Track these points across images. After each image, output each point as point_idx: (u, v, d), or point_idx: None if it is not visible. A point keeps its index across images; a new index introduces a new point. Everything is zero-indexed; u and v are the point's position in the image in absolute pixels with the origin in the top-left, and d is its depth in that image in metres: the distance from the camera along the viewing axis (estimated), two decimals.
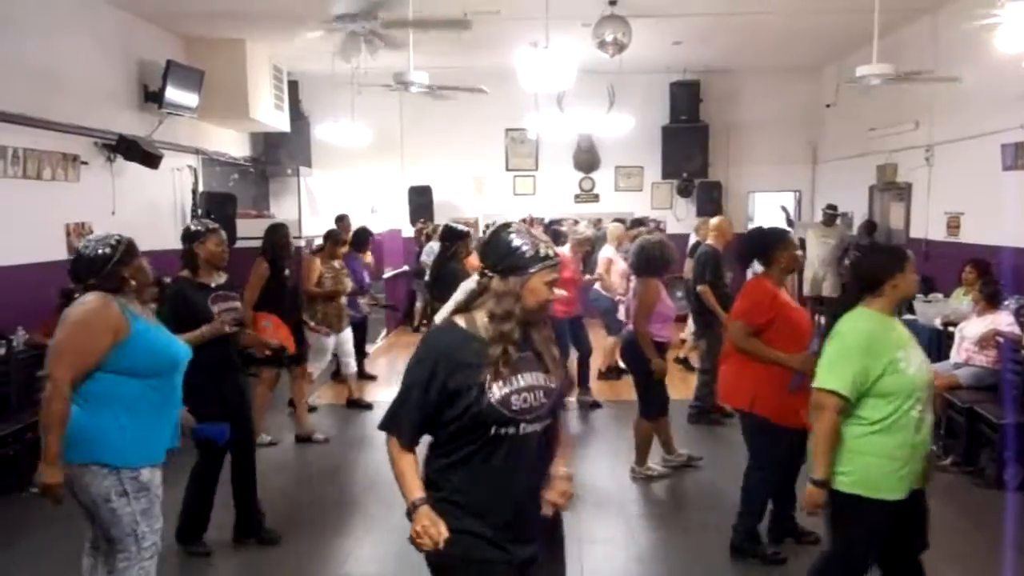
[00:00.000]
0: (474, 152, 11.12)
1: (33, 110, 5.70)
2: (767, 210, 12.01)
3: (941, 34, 7.40)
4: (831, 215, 9.05)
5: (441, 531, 1.89)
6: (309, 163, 10.45)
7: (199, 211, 8.03)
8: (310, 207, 9.50)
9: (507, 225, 2.02)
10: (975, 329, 5.25)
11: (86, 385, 2.53)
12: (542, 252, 1.95)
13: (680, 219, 11.11)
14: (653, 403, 4.77)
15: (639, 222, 9.97)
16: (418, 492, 1.95)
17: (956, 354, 5.37)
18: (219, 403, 3.64)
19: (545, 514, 2.01)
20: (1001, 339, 5.06)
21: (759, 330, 3.60)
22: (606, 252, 7.32)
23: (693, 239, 8.27)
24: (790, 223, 9.94)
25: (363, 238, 7.42)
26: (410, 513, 1.94)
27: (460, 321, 2.02)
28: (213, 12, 7.33)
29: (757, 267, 3.96)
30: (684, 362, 7.72)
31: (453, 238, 5.63)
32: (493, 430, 1.92)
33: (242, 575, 3.84)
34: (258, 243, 5.57)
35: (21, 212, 5.62)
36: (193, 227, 3.85)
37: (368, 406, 6.69)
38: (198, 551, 3.82)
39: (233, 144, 9.67)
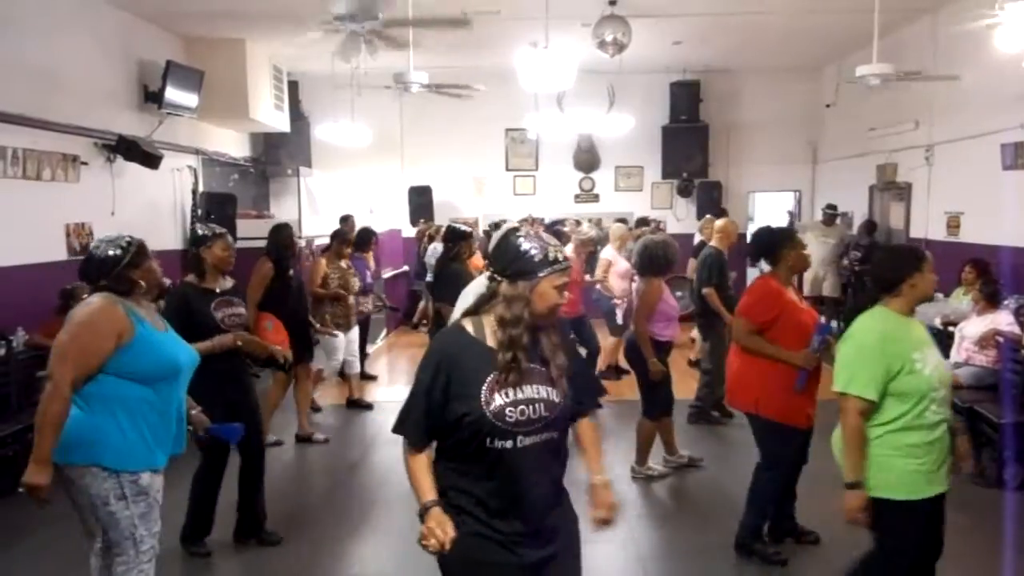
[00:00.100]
0: (474, 152, 11.12)
1: (33, 110, 5.70)
2: (767, 210, 12.04)
3: (941, 34, 7.40)
4: (831, 215, 9.05)
5: (448, 532, 1.87)
6: (309, 163, 10.45)
7: (199, 211, 8.04)
8: (310, 207, 9.50)
9: (515, 229, 2.03)
10: (975, 329, 5.25)
11: (88, 387, 2.53)
12: (551, 256, 1.94)
13: (680, 219, 11.12)
14: (656, 403, 4.77)
15: (644, 221, 9.96)
16: (430, 494, 1.93)
17: (956, 354, 5.37)
18: (226, 408, 3.65)
19: (598, 524, 2.04)
20: (1001, 339, 5.06)
21: (763, 328, 3.59)
22: (606, 253, 7.31)
23: (698, 239, 8.27)
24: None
25: (366, 238, 7.43)
26: (422, 515, 1.93)
27: (468, 326, 2.01)
28: (213, 12, 7.33)
29: (765, 266, 3.95)
30: (697, 364, 7.66)
31: (456, 238, 5.64)
32: (488, 442, 1.91)
33: None
34: (258, 243, 5.57)
35: (21, 213, 5.62)
36: (200, 231, 3.84)
37: (368, 406, 6.70)
38: (199, 552, 3.82)
39: (233, 144, 9.67)
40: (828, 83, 10.31)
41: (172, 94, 7.31)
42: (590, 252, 6.84)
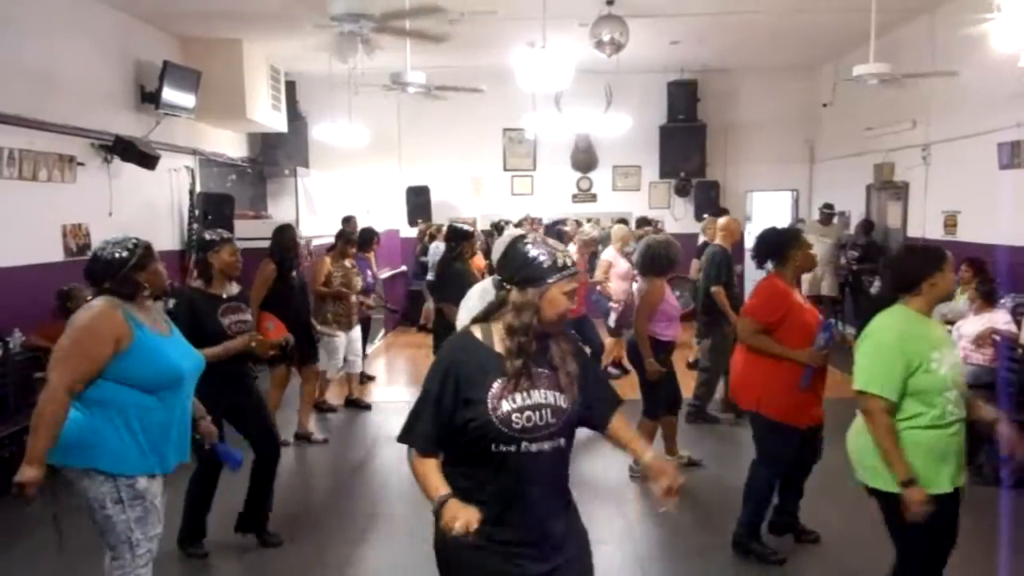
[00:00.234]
0: (472, 152, 11.12)
1: (29, 111, 5.69)
2: (765, 209, 12.05)
3: (938, 33, 7.41)
4: (828, 214, 9.06)
5: (474, 513, 1.81)
6: (306, 163, 10.44)
7: (196, 212, 8.02)
8: (308, 207, 9.50)
9: (522, 236, 2.02)
10: (972, 327, 5.26)
11: (88, 391, 2.52)
12: (560, 262, 1.93)
13: (678, 219, 11.12)
14: (658, 402, 4.77)
15: (646, 221, 9.96)
16: (443, 488, 1.88)
17: None
18: (229, 412, 3.66)
19: (666, 495, 1.96)
20: (998, 337, 5.07)
21: (770, 328, 3.60)
22: (607, 255, 7.32)
23: (701, 239, 8.28)
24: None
25: (368, 238, 7.44)
26: (437, 513, 1.86)
27: (476, 332, 2.01)
28: (210, 12, 7.31)
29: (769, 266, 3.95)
30: (695, 365, 7.66)
31: (458, 238, 5.65)
32: (493, 447, 1.89)
33: None
34: (255, 244, 5.57)
35: (17, 213, 5.60)
36: (208, 236, 3.83)
37: (367, 407, 6.70)
38: (196, 553, 3.82)
39: (230, 145, 9.66)
40: (825, 82, 10.33)
41: (169, 94, 7.30)
42: (592, 252, 6.86)
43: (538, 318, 1.92)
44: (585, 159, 11.28)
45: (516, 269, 1.95)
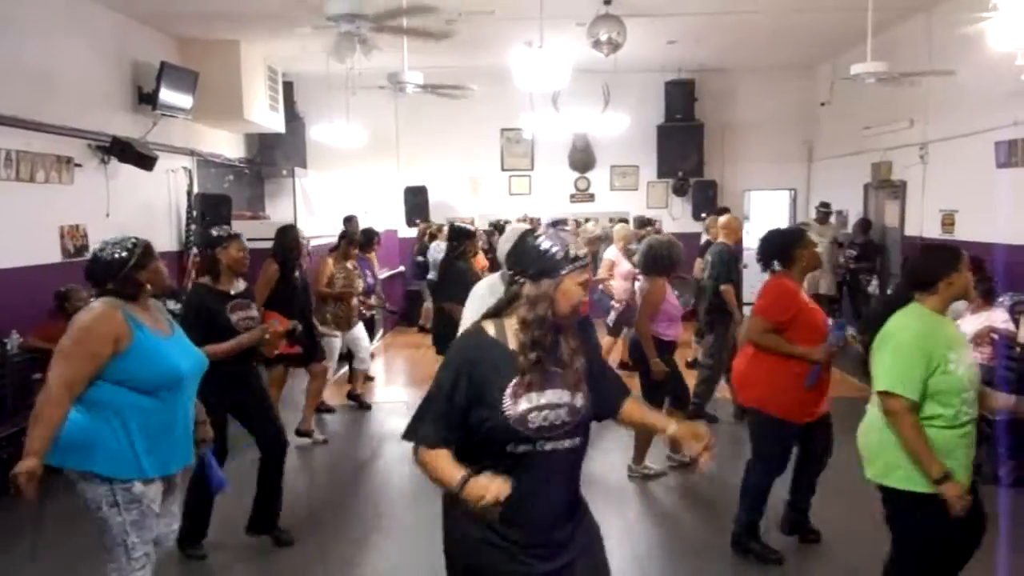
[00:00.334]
0: (469, 152, 11.12)
1: (26, 112, 5.68)
2: (763, 209, 12.06)
3: (935, 32, 7.42)
4: (824, 213, 9.07)
5: (503, 482, 1.78)
6: (304, 164, 10.43)
7: (194, 213, 8.02)
8: (306, 208, 9.48)
9: (531, 230, 2.02)
10: (970, 326, 5.25)
11: (87, 393, 2.51)
12: (572, 253, 1.92)
13: (676, 218, 11.13)
14: (660, 402, 4.76)
15: (648, 221, 9.96)
16: (461, 472, 1.83)
17: None
18: (232, 410, 3.65)
19: (702, 457, 2.08)
20: (996, 336, 5.08)
21: (780, 328, 3.60)
22: (610, 254, 7.31)
23: (704, 238, 8.28)
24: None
25: (368, 238, 7.43)
26: (459, 490, 1.81)
27: (489, 328, 1.98)
28: (207, 13, 7.30)
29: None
30: (695, 364, 7.66)
31: (460, 237, 5.65)
32: (509, 447, 1.87)
33: None
34: (253, 244, 5.54)
35: (14, 215, 5.59)
36: (215, 232, 3.83)
37: (367, 407, 6.70)
38: (196, 554, 3.81)
39: (228, 145, 9.64)
40: (823, 81, 10.34)
41: (166, 95, 7.29)
42: (593, 252, 6.85)
43: (552, 311, 1.90)
44: (583, 159, 11.28)
45: (529, 262, 1.93)
